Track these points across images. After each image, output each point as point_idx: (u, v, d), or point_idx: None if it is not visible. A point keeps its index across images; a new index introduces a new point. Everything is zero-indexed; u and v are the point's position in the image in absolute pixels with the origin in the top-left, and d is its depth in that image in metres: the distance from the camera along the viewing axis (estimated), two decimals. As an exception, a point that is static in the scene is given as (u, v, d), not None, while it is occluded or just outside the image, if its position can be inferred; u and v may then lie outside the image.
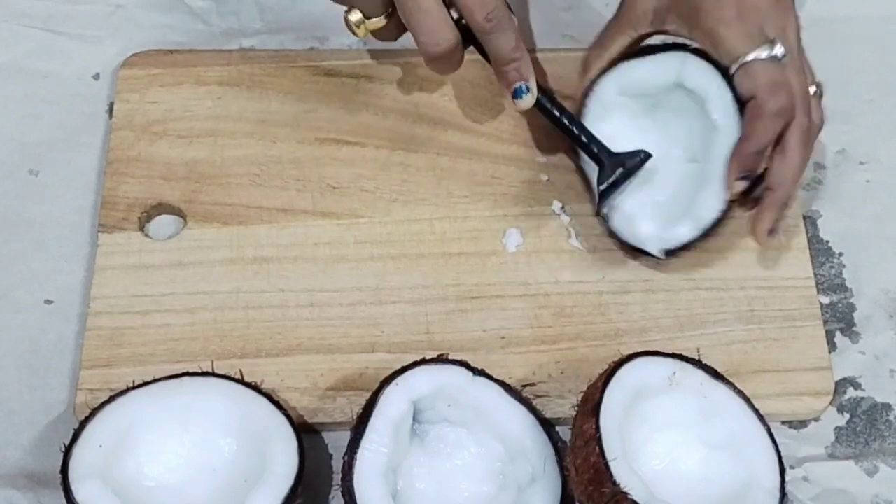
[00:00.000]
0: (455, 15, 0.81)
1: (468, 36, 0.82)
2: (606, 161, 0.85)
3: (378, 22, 0.83)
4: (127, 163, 0.91)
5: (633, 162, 0.85)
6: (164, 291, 0.86)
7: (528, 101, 0.84)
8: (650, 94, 0.87)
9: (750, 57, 0.81)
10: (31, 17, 0.98)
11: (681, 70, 0.84)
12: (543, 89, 0.85)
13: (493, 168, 0.92)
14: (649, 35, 0.87)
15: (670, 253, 0.86)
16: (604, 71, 0.87)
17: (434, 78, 0.95)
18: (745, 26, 0.81)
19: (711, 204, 0.83)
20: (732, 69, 0.81)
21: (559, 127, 0.87)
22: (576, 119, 0.86)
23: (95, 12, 0.99)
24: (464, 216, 0.90)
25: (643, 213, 0.86)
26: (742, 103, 0.82)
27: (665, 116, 0.88)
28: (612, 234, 0.88)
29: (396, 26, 0.84)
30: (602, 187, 0.85)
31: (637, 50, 0.86)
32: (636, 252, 0.87)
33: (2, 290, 0.88)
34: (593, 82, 0.87)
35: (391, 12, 0.82)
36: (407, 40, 0.91)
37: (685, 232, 0.85)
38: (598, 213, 0.88)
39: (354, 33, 0.85)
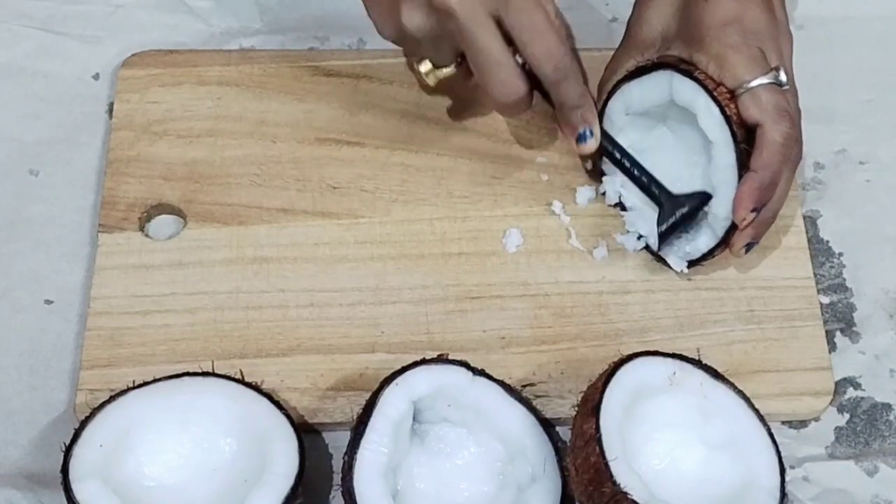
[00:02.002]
0: (520, 60, 0.81)
1: (532, 79, 0.83)
2: (666, 202, 0.85)
3: (449, 71, 0.85)
4: (127, 163, 0.91)
5: (693, 203, 0.85)
6: (164, 291, 0.86)
7: (591, 145, 0.85)
8: (653, 111, 0.87)
9: (755, 83, 0.81)
10: (31, 17, 0.98)
11: (671, 88, 0.84)
12: (603, 131, 0.86)
13: (493, 168, 0.92)
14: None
15: (693, 264, 0.87)
16: (609, 94, 0.87)
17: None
18: (750, 51, 0.82)
19: (724, 212, 0.83)
20: (738, 93, 0.82)
21: (619, 167, 0.87)
22: (636, 160, 0.87)
23: (95, 12, 0.99)
24: (464, 216, 0.90)
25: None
26: (745, 127, 0.82)
27: (674, 129, 0.88)
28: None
29: (466, 72, 0.84)
30: (661, 229, 0.85)
31: (632, 71, 0.86)
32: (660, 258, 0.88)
33: (2, 290, 0.88)
34: (604, 105, 0.88)
35: (460, 60, 0.84)
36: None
37: (704, 241, 0.85)
38: (657, 250, 0.88)
39: (424, 82, 0.86)
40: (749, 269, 0.89)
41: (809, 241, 0.91)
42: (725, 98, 0.82)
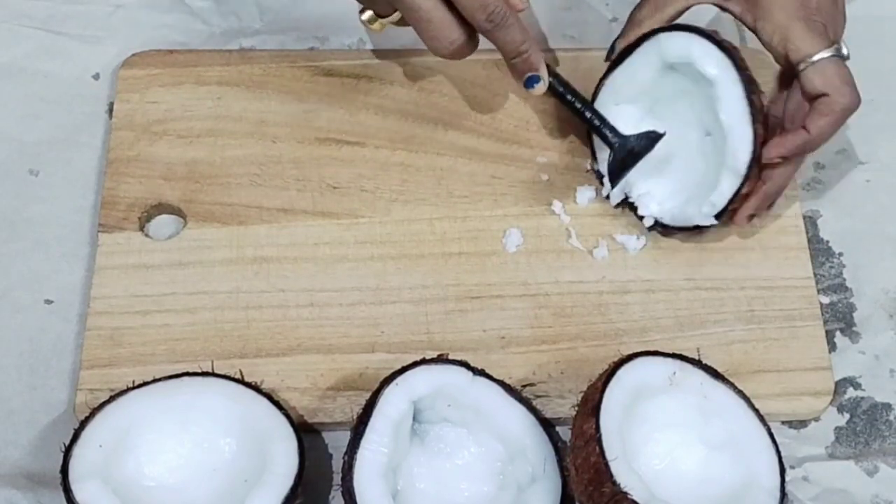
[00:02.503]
0: None
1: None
2: (617, 143, 0.87)
3: (393, 19, 0.86)
4: (127, 163, 0.91)
5: (643, 143, 0.87)
6: (164, 291, 0.86)
7: (540, 88, 0.86)
8: (645, 92, 0.88)
9: (819, 56, 0.82)
10: (31, 17, 0.98)
11: (661, 52, 0.86)
12: (555, 74, 0.87)
13: (493, 168, 0.92)
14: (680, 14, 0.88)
15: (720, 215, 0.86)
16: (596, 89, 0.89)
17: (434, 78, 0.95)
18: (816, 25, 0.83)
19: (742, 149, 0.83)
20: (802, 66, 0.82)
21: (571, 110, 0.88)
22: (588, 103, 0.88)
23: (95, 12, 0.99)
24: (464, 216, 0.90)
25: (680, 197, 0.88)
26: (808, 97, 0.83)
27: (668, 107, 0.88)
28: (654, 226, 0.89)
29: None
30: (610, 168, 0.87)
31: (615, 59, 0.88)
32: (674, 231, 0.88)
33: (2, 290, 0.88)
34: (595, 94, 0.89)
35: None
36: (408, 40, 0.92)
37: (728, 185, 0.84)
38: (606, 197, 0.90)
39: (371, 29, 0.87)
40: (749, 269, 0.89)
41: (809, 241, 0.91)
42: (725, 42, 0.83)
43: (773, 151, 0.83)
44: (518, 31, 0.83)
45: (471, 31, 0.83)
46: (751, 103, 0.83)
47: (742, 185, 0.84)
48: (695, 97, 0.87)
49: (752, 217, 0.86)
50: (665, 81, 0.87)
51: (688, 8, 0.87)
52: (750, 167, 0.83)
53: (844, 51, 0.84)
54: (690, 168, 0.88)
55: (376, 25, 0.87)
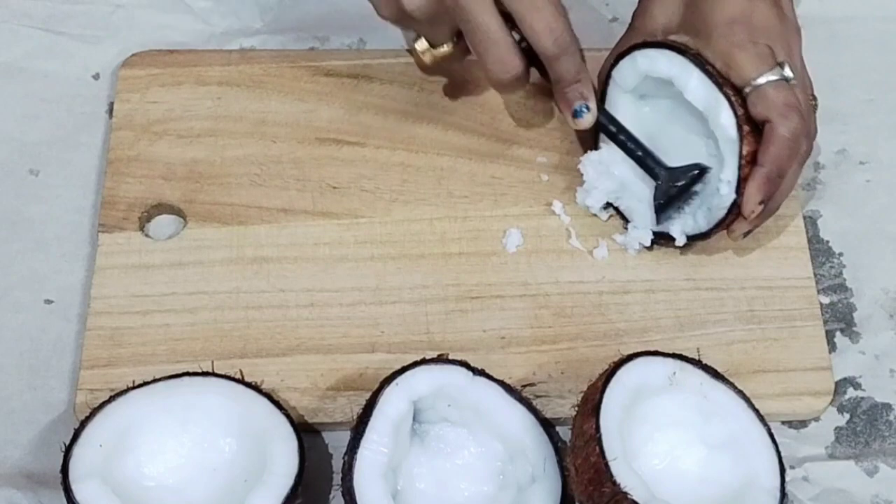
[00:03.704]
0: (517, 36, 0.82)
1: (530, 56, 0.83)
2: (663, 176, 0.85)
3: (445, 50, 0.85)
4: (127, 163, 0.91)
5: (690, 176, 0.85)
6: (164, 291, 0.86)
7: (588, 120, 0.86)
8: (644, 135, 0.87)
9: (762, 80, 0.81)
10: (31, 17, 0.98)
11: (621, 85, 0.86)
12: (599, 107, 0.86)
13: (493, 168, 0.92)
14: None
15: (693, 237, 0.86)
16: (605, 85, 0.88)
17: (434, 78, 0.95)
18: (757, 49, 0.82)
19: (724, 114, 0.82)
20: (745, 91, 0.82)
21: (616, 143, 0.87)
22: (633, 136, 0.86)
23: (95, 12, 0.99)
24: (464, 216, 0.90)
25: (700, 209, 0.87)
26: (755, 124, 0.82)
27: (668, 138, 0.88)
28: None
29: (462, 52, 0.85)
30: (658, 202, 0.85)
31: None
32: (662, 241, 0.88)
33: (2, 290, 0.88)
34: (602, 95, 0.88)
35: (457, 40, 0.84)
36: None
37: (729, 157, 0.82)
38: (657, 224, 0.88)
39: (421, 60, 0.87)
40: (749, 269, 0.89)
41: (809, 241, 0.91)
42: (709, 65, 0.82)
43: (748, 206, 0.82)
44: (578, 59, 0.83)
45: (528, 63, 0.83)
46: (709, 74, 0.82)
47: (741, 148, 0.82)
48: (678, 112, 0.86)
49: (747, 234, 0.85)
50: (647, 114, 0.87)
51: (637, 47, 0.86)
52: (739, 128, 0.82)
53: (788, 73, 0.82)
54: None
55: (427, 56, 0.86)
